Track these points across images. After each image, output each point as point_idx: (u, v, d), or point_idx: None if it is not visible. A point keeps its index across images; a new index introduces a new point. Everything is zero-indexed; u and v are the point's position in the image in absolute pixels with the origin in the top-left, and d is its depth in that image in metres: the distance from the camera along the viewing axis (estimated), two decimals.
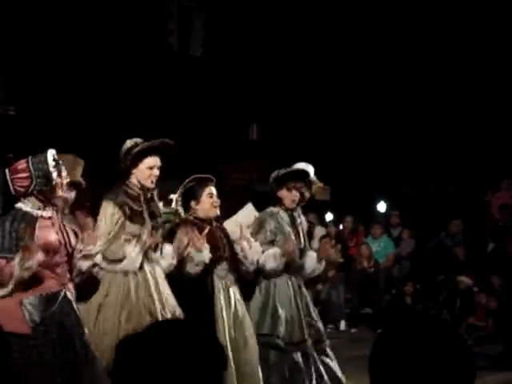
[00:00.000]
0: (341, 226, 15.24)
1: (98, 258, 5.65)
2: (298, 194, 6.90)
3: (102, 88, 14.52)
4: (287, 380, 6.60)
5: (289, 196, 6.88)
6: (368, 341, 2.34)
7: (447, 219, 13.91)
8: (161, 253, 5.93)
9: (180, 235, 5.98)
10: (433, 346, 2.00)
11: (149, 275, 5.79)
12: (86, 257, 5.37)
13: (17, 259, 4.95)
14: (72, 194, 6.61)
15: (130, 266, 5.70)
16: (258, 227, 6.80)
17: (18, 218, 5.14)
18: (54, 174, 5.15)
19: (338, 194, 16.60)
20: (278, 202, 6.88)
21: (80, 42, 13.71)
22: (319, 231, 13.88)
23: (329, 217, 16.94)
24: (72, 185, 6.11)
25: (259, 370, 6.28)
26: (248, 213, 7.19)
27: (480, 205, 14.61)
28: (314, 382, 6.70)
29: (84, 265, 5.42)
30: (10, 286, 5.00)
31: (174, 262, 5.95)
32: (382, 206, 16.99)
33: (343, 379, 6.99)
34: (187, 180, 6.32)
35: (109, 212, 5.76)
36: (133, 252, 5.69)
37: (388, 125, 16.97)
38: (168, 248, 5.94)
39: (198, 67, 15.16)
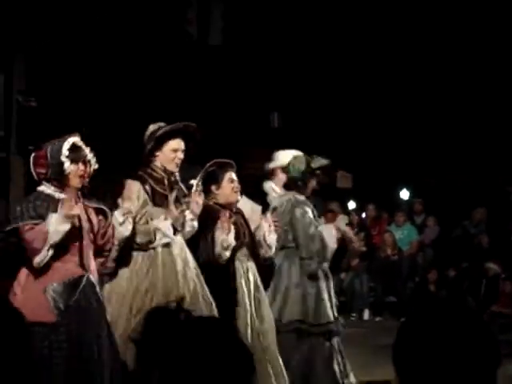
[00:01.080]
0: (363, 215, 15.20)
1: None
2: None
3: (122, 78, 14.54)
4: (308, 362, 6.64)
5: (313, 185, 6.97)
6: (392, 329, 2.31)
7: (470, 207, 13.85)
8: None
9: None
10: (457, 334, 1.99)
11: (176, 256, 5.78)
12: (128, 217, 5.44)
13: (54, 215, 4.97)
14: None
15: (164, 239, 5.70)
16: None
17: (40, 198, 5.19)
18: (67, 164, 5.16)
19: (360, 182, 16.56)
20: (302, 189, 6.92)
21: (100, 32, 13.73)
22: (342, 219, 13.84)
23: (351, 205, 16.89)
24: None
25: (278, 355, 6.28)
26: (243, 204, 7.13)
27: (503, 193, 14.51)
28: (338, 361, 6.74)
29: (126, 230, 5.50)
30: (47, 246, 5.00)
31: (195, 224, 5.91)
32: (404, 194, 16.93)
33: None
34: (208, 164, 6.29)
35: (134, 191, 5.74)
36: (165, 225, 5.69)
37: (411, 112, 16.88)
38: (188, 214, 5.89)
39: (218, 56, 15.15)
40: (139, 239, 5.69)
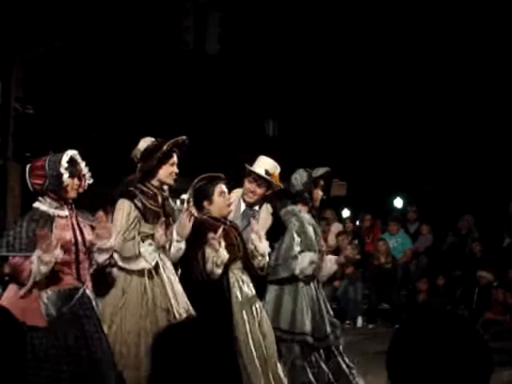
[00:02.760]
0: (357, 222, 15.23)
1: (116, 257, 5.68)
2: (321, 193, 7.05)
3: (119, 86, 14.59)
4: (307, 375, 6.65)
5: (319, 195, 7.02)
6: (386, 336, 2.36)
7: (463, 215, 13.89)
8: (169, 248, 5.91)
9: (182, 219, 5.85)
10: (450, 341, 2.01)
11: (163, 273, 5.81)
12: (102, 250, 5.42)
13: (36, 254, 5.01)
14: None
15: (145, 264, 5.70)
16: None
17: (35, 217, 5.22)
18: (65, 176, 5.19)
19: (354, 190, 16.61)
20: (310, 200, 6.96)
21: (97, 40, 13.77)
22: (336, 228, 13.91)
23: (345, 213, 16.95)
24: None
25: (279, 366, 6.29)
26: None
27: (496, 200, 14.55)
28: (331, 376, 6.75)
29: (100, 258, 5.47)
30: (30, 282, 5.06)
31: (182, 245, 5.87)
32: (398, 202, 16.97)
33: (353, 376, 7.01)
34: (196, 180, 6.24)
35: (126, 210, 5.76)
36: (148, 250, 5.70)
37: (404, 121, 16.95)
38: (174, 234, 5.85)
39: (214, 64, 15.18)
40: (125, 253, 5.71)
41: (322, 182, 7.00)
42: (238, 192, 6.73)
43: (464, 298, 12.31)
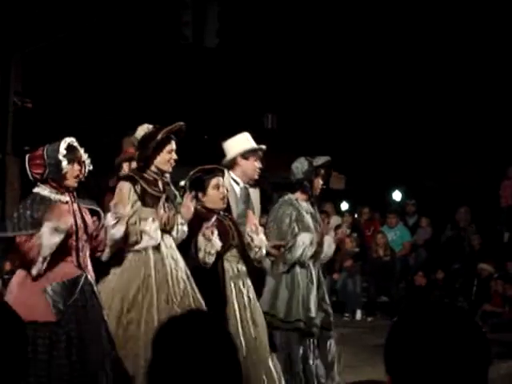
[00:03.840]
0: (356, 215, 15.25)
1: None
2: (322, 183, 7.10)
3: (117, 80, 14.60)
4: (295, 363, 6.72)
5: (319, 184, 7.04)
6: (384, 329, 2.36)
7: (459, 207, 13.93)
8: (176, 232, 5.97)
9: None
10: (448, 334, 2.01)
11: (166, 256, 5.85)
12: (120, 220, 5.49)
13: (47, 226, 5.04)
14: None
15: (150, 241, 5.75)
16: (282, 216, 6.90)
17: (36, 200, 5.25)
18: (64, 163, 5.22)
19: (353, 183, 16.62)
20: (309, 189, 6.98)
21: (96, 34, 13.77)
22: (335, 221, 13.93)
23: (344, 206, 16.96)
24: None
25: (269, 356, 6.30)
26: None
27: (492, 194, 14.58)
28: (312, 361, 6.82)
29: (118, 232, 5.53)
30: (40, 259, 5.07)
31: (185, 228, 5.95)
32: (397, 195, 17.00)
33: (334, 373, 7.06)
34: (192, 172, 6.27)
35: (125, 193, 5.80)
36: (152, 227, 5.75)
37: (403, 114, 16.96)
38: (179, 218, 5.93)
39: (213, 58, 15.19)
40: (127, 239, 5.75)
41: (322, 171, 7.05)
42: (227, 178, 6.72)
43: (463, 291, 12.35)
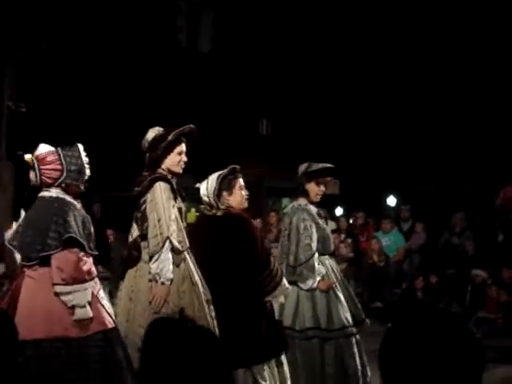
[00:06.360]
0: (350, 221, 15.25)
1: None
2: (324, 189, 7.00)
3: (111, 85, 14.59)
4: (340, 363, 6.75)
5: (316, 190, 6.95)
6: (378, 335, 2.36)
7: (455, 213, 13.92)
8: None
9: None
10: (441, 340, 2.02)
11: (188, 258, 5.86)
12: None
13: (87, 287, 5.09)
14: None
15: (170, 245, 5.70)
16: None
17: (72, 208, 5.19)
18: (88, 170, 5.24)
19: (347, 189, 16.62)
20: (304, 194, 6.95)
21: (90, 39, 13.78)
22: (329, 226, 13.91)
23: (338, 211, 16.96)
24: None
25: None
26: None
27: (488, 199, 14.58)
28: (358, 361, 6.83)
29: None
30: (89, 284, 5.11)
31: None
32: (391, 200, 17.00)
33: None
34: (226, 170, 6.23)
35: (165, 197, 5.73)
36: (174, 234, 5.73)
37: (397, 119, 16.98)
38: None
39: (207, 63, 15.21)
40: (180, 242, 5.76)
41: (317, 177, 6.95)
42: None
43: (457, 296, 12.33)
